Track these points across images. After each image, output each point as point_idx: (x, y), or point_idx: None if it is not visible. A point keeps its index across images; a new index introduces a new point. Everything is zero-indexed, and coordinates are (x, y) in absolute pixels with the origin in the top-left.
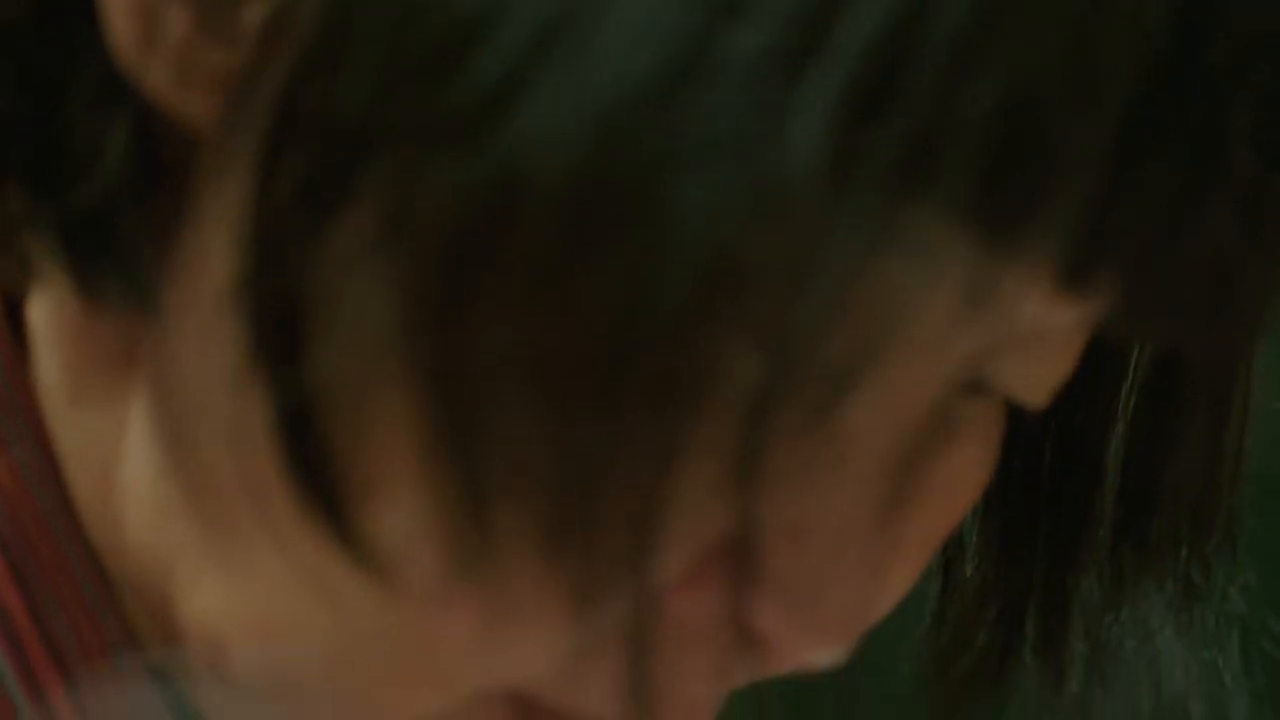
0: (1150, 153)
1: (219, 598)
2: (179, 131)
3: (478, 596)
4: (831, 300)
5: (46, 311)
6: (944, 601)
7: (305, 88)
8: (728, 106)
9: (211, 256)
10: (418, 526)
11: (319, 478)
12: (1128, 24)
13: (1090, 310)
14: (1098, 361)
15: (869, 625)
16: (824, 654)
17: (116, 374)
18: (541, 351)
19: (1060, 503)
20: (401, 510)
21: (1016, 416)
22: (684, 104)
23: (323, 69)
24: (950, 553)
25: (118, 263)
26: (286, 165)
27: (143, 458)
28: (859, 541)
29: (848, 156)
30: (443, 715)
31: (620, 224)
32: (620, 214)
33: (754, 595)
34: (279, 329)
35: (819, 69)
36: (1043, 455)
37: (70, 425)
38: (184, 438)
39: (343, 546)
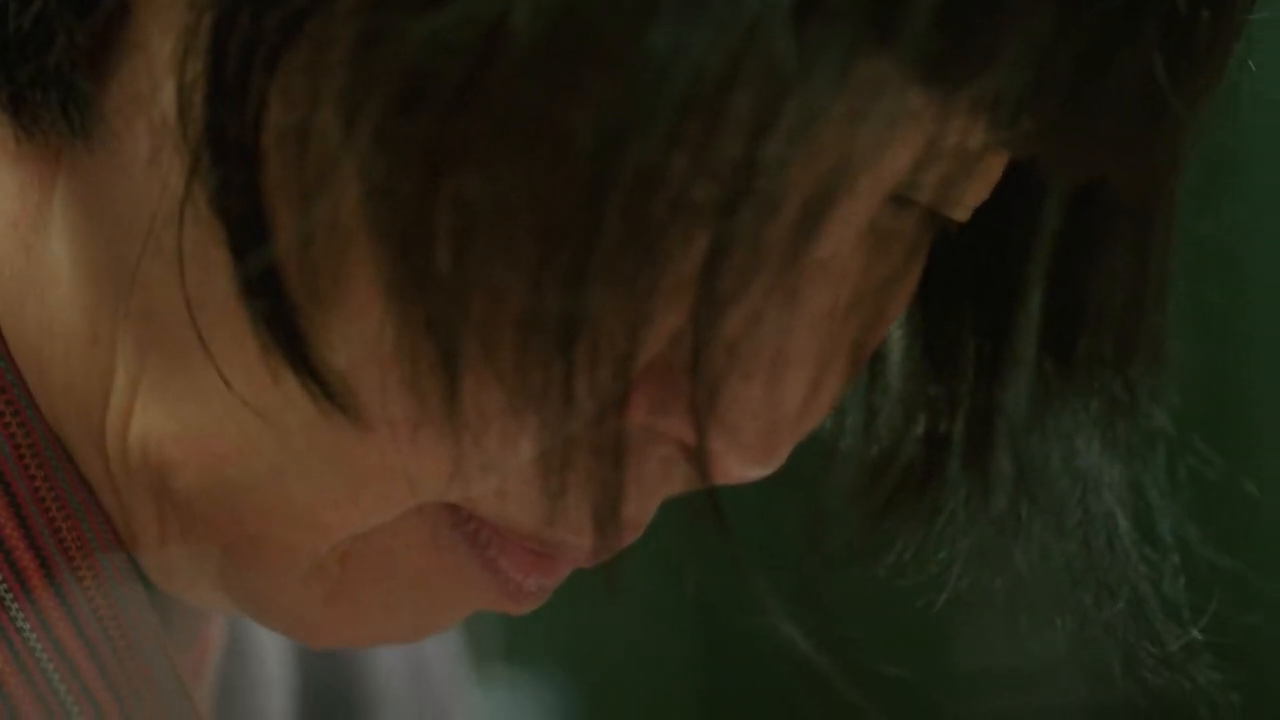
0: None
1: (161, 422)
2: None
3: (442, 432)
4: (796, 141)
5: None
6: (869, 415)
7: None
8: None
9: (158, 86)
10: (382, 364)
11: (279, 305)
12: None
13: (1025, 135)
14: (1021, 178)
15: (800, 438)
16: (757, 469)
17: (27, 200)
18: (515, 198)
19: (984, 318)
20: (366, 347)
21: (942, 233)
22: None
23: None
24: (876, 367)
25: (54, 86)
26: (238, 2)
27: (69, 290)
28: (794, 360)
29: (813, 4)
30: (389, 532)
31: (595, 69)
32: (595, 59)
33: (691, 412)
34: (235, 162)
35: None
36: (967, 270)
37: None
38: (123, 266)
39: (301, 375)
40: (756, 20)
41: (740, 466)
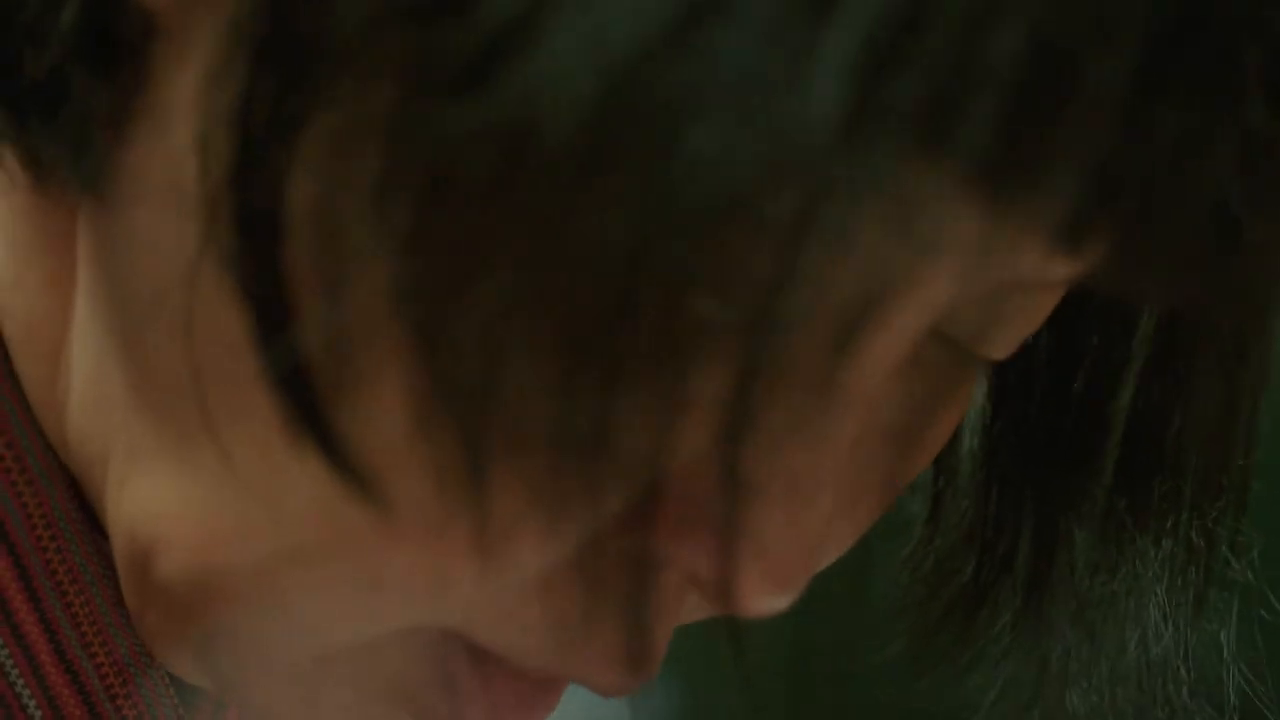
0: (1161, 106)
1: (156, 497)
2: (138, 11)
3: (465, 528)
4: (837, 253)
5: None
6: (930, 529)
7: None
8: (743, 54)
9: (173, 148)
10: (407, 450)
11: (299, 386)
12: None
13: (1084, 265)
14: (1109, 314)
15: (815, 573)
16: (768, 602)
17: (62, 256)
18: (544, 300)
19: (1062, 450)
20: (393, 437)
21: (1029, 361)
22: (698, 50)
23: None
24: (943, 482)
25: (67, 140)
26: (266, 76)
27: (85, 343)
28: (823, 486)
29: (864, 109)
30: (374, 641)
31: (630, 171)
32: (630, 161)
33: (702, 540)
34: (256, 236)
35: (840, 18)
36: (1050, 400)
37: (14, 308)
38: (131, 328)
39: (323, 454)
40: (798, 126)
41: (757, 593)
